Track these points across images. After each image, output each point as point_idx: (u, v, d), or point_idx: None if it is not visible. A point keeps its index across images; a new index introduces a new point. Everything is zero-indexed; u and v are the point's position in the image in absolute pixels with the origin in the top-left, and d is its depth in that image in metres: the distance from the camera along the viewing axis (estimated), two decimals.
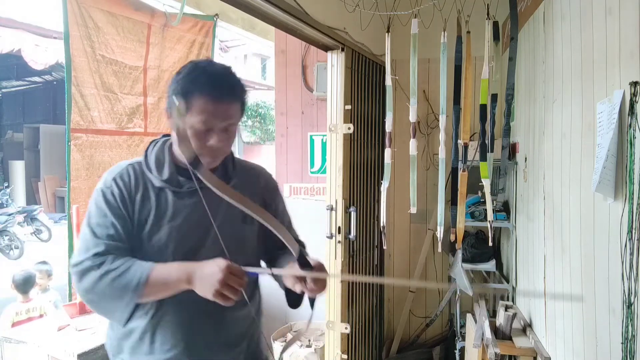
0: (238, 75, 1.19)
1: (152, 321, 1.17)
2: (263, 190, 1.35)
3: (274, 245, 1.29)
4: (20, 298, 3.27)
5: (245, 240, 1.27)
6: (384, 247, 2.72)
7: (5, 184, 10.13)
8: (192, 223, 1.18)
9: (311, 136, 3.69)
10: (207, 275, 1.02)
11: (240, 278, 1.02)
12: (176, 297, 1.12)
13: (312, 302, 1.17)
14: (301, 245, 1.35)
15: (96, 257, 1.11)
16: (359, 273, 2.99)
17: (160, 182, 1.18)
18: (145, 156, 1.23)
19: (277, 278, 1.26)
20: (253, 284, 1.33)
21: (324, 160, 3.53)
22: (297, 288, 1.13)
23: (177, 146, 1.19)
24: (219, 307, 1.06)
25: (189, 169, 1.08)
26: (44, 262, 3.55)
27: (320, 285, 1.11)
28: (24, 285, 3.28)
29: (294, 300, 1.24)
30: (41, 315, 3.26)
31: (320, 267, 1.14)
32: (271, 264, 1.35)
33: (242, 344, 1.29)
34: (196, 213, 1.18)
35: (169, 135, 1.27)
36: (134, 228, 1.16)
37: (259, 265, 1.31)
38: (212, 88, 1.11)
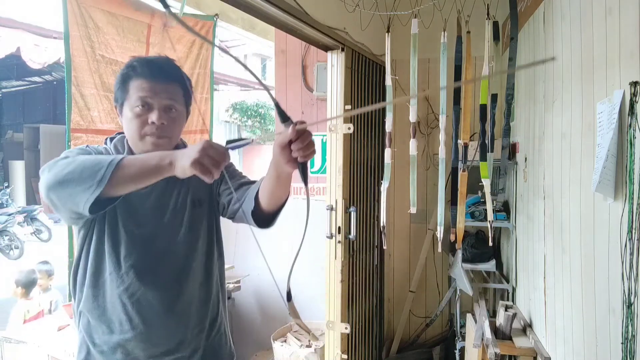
0: (177, 65, 1.27)
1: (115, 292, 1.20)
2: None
3: (234, 195, 1.29)
4: (23, 297, 3.29)
5: (194, 221, 1.30)
6: (384, 247, 2.72)
7: (5, 184, 10.13)
8: (148, 205, 1.24)
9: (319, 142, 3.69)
10: (187, 151, 1.00)
11: (220, 152, 0.97)
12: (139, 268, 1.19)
13: (304, 171, 1.03)
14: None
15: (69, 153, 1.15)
16: (359, 273, 2.99)
17: None
18: (105, 146, 1.29)
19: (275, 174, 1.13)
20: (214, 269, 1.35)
21: (324, 160, 3.53)
22: (290, 164, 0.99)
23: (130, 140, 1.25)
24: (180, 284, 1.20)
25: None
26: (45, 262, 3.56)
27: (309, 144, 0.96)
28: (28, 284, 3.31)
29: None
30: (43, 313, 3.27)
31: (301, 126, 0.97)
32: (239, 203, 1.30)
33: (202, 330, 1.31)
34: (150, 199, 1.24)
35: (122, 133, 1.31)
36: None
37: (199, 241, 1.31)
38: (147, 69, 1.19)
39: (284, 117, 0.95)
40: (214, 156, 0.96)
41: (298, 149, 0.94)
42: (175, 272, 1.25)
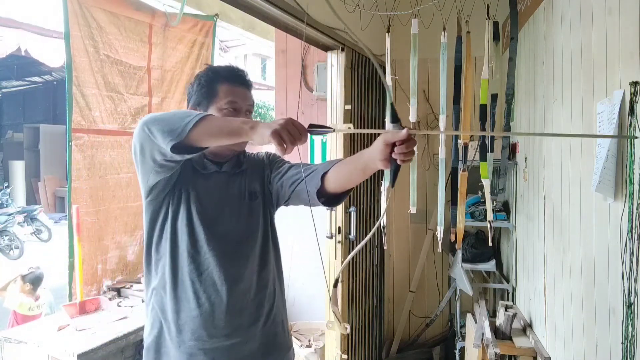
0: None
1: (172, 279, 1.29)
2: (266, 161, 1.47)
3: (298, 185, 1.34)
4: (29, 295, 3.31)
5: (252, 212, 1.39)
6: (384, 247, 2.72)
7: (5, 184, 10.12)
8: (218, 198, 1.34)
9: (311, 136, 3.69)
10: (270, 122, 1.06)
11: (300, 131, 1.03)
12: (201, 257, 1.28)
13: (396, 173, 1.08)
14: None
15: None
16: (359, 273, 3.00)
17: (201, 165, 1.35)
18: None
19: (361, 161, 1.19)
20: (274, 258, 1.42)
21: (324, 160, 3.53)
22: (384, 162, 1.05)
23: None
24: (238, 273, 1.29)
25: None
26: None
27: (411, 151, 1.02)
28: (36, 280, 3.34)
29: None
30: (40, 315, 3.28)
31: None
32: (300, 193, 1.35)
33: (258, 318, 1.35)
34: (220, 190, 1.35)
35: None
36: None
37: (258, 231, 1.39)
38: (234, 76, 1.35)
39: (395, 118, 1.03)
40: (293, 133, 1.01)
41: (401, 152, 1.00)
42: (236, 258, 1.32)
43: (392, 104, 1.08)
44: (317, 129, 1.06)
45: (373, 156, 1.08)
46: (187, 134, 1.07)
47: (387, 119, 1.05)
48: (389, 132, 1.02)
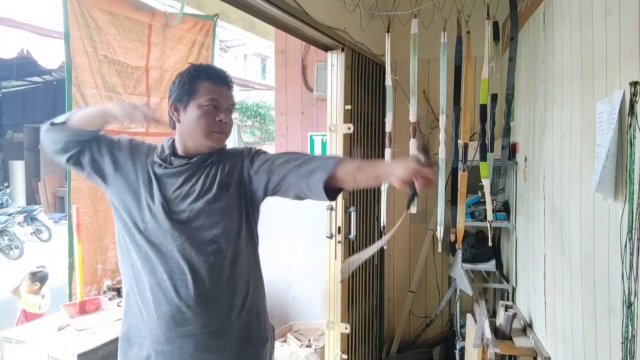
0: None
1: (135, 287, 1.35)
2: (246, 152, 1.44)
3: (288, 182, 1.32)
4: (36, 293, 3.32)
5: (222, 205, 1.37)
6: (384, 247, 2.72)
7: (5, 184, 10.12)
8: (174, 186, 1.36)
9: (311, 136, 3.69)
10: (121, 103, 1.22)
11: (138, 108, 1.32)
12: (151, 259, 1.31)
13: (413, 197, 1.11)
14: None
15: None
16: (359, 273, 3.00)
17: (158, 158, 1.39)
18: (161, 145, 1.45)
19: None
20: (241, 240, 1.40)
21: None
22: (401, 182, 1.08)
23: (178, 138, 1.41)
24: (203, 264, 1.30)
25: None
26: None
27: (433, 182, 1.06)
28: (43, 279, 3.36)
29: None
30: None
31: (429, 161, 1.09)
32: (300, 191, 1.33)
33: (233, 309, 1.35)
34: (177, 180, 1.37)
35: None
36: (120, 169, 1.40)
37: (228, 221, 1.37)
38: (215, 74, 1.38)
39: (427, 154, 1.08)
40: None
41: (424, 179, 1.04)
42: (201, 247, 1.32)
43: (424, 144, 1.12)
44: None
45: (392, 172, 1.10)
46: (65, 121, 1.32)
47: (416, 150, 1.09)
48: (420, 158, 1.05)
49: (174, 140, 1.43)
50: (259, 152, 1.43)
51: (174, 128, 1.41)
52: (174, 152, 1.40)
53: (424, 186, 1.05)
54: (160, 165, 1.38)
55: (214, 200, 1.34)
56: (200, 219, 1.32)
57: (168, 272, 1.30)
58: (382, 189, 2.60)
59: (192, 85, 1.34)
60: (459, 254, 2.95)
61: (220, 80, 1.37)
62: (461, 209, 2.43)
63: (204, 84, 1.34)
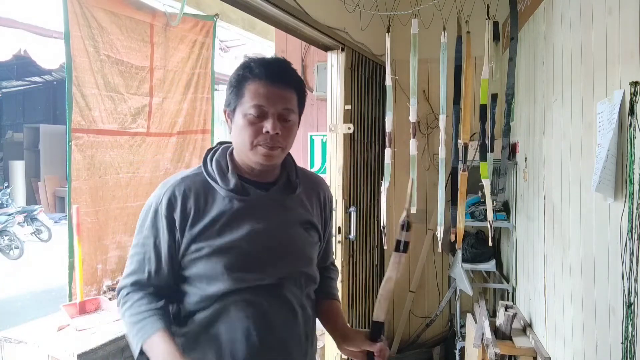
0: (293, 67, 1.16)
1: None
2: (324, 202, 1.30)
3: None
4: None
5: (307, 251, 1.22)
6: (384, 247, 2.72)
7: (5, 184, 10.12)
8: (261, 230, 1.13)
9: (311, 136, 3.69)
10: None
11: None
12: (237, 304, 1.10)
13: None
14: (334, 267, 1.41)
15: (128, 288, 1.13)
16: (359, 273, 3.00)
17: (227, 191, 1.12)
18: (205, 164, 1.17)
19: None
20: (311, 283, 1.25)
21: (324, 160, 3.53)
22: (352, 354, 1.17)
23: (236, 151, 1.16)
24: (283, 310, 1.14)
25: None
26: None
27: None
28: None
29: None
30: None
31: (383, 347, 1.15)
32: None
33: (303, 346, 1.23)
34: (263, 220, 1.13)
35: (225, 143, 1.23)
36: (186, 240, 1.10)
37: (317, 277, 1.25)
38: (265, 71, 1.09)
39: (376, 336, 1.14)
40: None
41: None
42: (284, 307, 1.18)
43: (375, 322, 1.15)
44: None
45: (343, 344, 1.19)
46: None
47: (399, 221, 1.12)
48: (371, 344, 1.13)
49: (231, 152, 1.18)
50: (329, 222, 1.31)
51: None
52: (238, 174, 1.15)
53: None
54: (228, 198, 1.12)
55: (302, 245, 1.21)
56: (282, 261, 1.18)
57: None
58: (382, 188, 2.60)
59: (239, 86, 1.10)
60: (459, 254, 2.95)
61: (271, 78, 1.09)
62: (461, 209, 2.43)
63: (250, 85, 1.09)
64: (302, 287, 1.18)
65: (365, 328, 3.22)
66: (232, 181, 1.12)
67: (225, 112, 1.15)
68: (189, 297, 1.12)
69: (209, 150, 1.20)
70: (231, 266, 1.08)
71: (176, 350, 1.02)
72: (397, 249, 1.09)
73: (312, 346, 1.25)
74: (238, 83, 1.10)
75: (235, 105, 1.10)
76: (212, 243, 1.08)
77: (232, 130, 1.13)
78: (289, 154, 1.21)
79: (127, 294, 1.12)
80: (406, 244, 1.09)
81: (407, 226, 1.08)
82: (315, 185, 1.28)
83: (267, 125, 1.07)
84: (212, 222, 1.09)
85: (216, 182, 1.12)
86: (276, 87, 1.09)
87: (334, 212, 2.66)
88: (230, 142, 1.19)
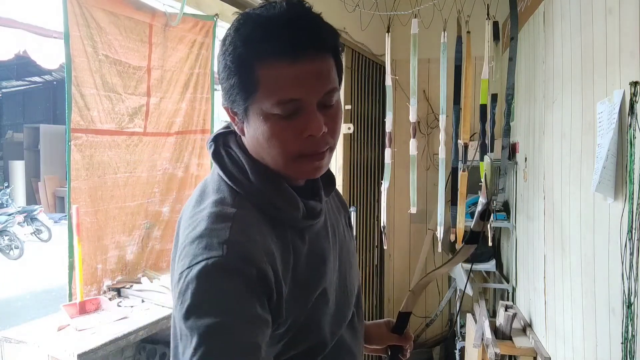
0: (315, 11, 0.72)
1: None
2: (344, 208, 1.04)
3: None
4: None
5: (356, 265, 0.99)
6: (384, 247, 2.72)
7: (5, 184, 10.12)
8: (334, 254, 0.85)
9: None
10: None
11: None
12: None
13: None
14: None
15: None
16: (359, 273, 3.00)
17: (302, 221, 0.78)
18: (257, 194, 0.75)
19: None
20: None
21: None
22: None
23: (271, 160, 0.74)
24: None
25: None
26: None
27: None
28: None
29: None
30: None
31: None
32: None
33: None
34: (330, 241, 0.84)
35: (218, 132, 0.83)
36: (286, 306, 0.72)
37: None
38: (283, 40, 0.67)
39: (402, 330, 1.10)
40: None
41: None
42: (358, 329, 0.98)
43: (402, 314, 1.13)
44: None
45: (370, 340, 1.08)
46: None
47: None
48: (398, 338, 1.11)
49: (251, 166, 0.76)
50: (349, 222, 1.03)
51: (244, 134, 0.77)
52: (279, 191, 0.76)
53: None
54: (304, 229, 0.79)
55: (353, 259, 0.97)
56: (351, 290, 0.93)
57: None
58: (382, 188, 2.60)
59: (245, 73, 0.69)
60: None
61: (299, 47, 0.67)
62: (461, 209, 2.43)
63: (266, 69, 0.67)
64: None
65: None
66: (300, 205, 0.76)
67: (227, 110, 0.77)
68: None
69: (215, 153, 0.79)
70: (330, 318, 0.80)
71: None
72: (471, 241, 0.91)
73: None
74: (242, 68, 0.68)
75: (247, 103, 0.70)
76: (305, 297, 0.76)
77: (247, 135, 0.75)
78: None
79: None
80: (479, 235, 0.91)
81: (487, 215, 0.88)
82: (343, 207, 1.04)
83: (311, 126, 0.69)
84: (296, 271, 0.75)
85: (281, 210, 0.76)
86: (307, 60, 0.67)
87: None
88: (227, 129, 0.83)
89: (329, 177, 0.88)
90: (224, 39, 0.73)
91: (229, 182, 0.75)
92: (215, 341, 0.61)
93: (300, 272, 0.75)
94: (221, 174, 0.77)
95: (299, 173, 0.76)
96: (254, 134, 0.73)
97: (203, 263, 0.64)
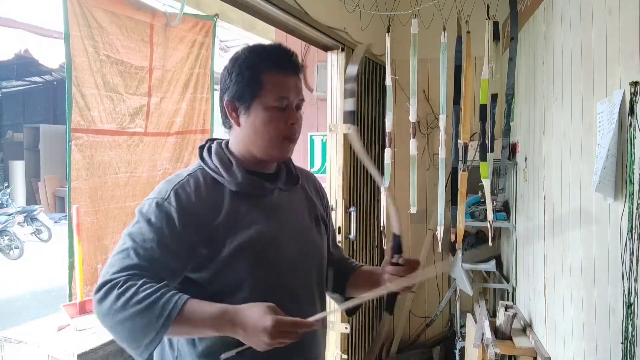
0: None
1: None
2: (321, 191, 1.30)
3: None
4: None
5: (319, 245, 1.19)
6: (384, 247, 2.72)
7: (5, 184, 10.12)
8: (271, 225, 1.07)
9: (311, 136, 3.69)
10: (252, 331, 0.89)
11: (292, 332, 0.90)
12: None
13: (392, 303, 1.14)
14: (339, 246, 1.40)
15: (123, 277, 0.92)
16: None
17: (234, 185, 1.05)
18: (204, 160, 1.10)
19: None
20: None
21: (324, 160, 3.53)
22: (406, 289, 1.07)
23: (242, 145, 1.09)
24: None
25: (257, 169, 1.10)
26: None
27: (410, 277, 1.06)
28: None
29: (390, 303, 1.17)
30: None
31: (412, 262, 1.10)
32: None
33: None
34: (274, 215, 1.09)
35: (213, 140, 1.16)
36: (202, 245, 1.00)
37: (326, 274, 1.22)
38: (281, 60, 1.06)
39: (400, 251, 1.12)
40: (285, 339, 0.89)
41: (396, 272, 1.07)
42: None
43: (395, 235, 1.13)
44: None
45: (381, 279, 1.12)
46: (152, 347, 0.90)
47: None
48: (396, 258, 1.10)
49: (227, 147, 1.12)
50: (328, 212, 1.29)
51: (229, 128, 1.11)
52: (244, 168, 1.09)
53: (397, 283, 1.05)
54: (237, 193, 1.06)
55: (314, 239, 1.18)
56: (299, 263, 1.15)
57: None
58: (382, 188, 2.60)
59: (254, 76, 1.04)
60: (459, 254, 2.95)
61: (289, 68, 1.06)
62: (461, 209, 2.43)
63: (270, 75, 1.03)
64: (315, 286, 1.16)
65: (370, 328, 3.23)
66: (239, 174, 1.06)
67: (229, 105, 1.07)
68: None
69: (202, 147, 1.13)
70: (252, 266, 1.02)
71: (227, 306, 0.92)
72: (389, 309, 1.15)
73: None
74: (252, 73, 1.03)
75: (252, 97, 1.03)
76: (230, 242, 1.00)
77: (243, 123, 1.06)
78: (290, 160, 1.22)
79: (125, 281, 0.91)
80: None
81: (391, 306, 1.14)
82: (308, 176, 1.28)
83: (293, 117, 1.06)
84: (225, 222, 1.01)
85: (222, 176, 1.05)
86: (292, 76, 1.06)
87: (333, 212, 2.67)
88: (219, 139, 1.16)
89: (294, 175, 1.19)
90: (238, 54, 1.08)
91: (200, 161, 1.10)
92: (133, 236, 0.98)
93: (222, 221, 1.01)
94: (199, 158, 1.11)
95: (280, 150, 1.08)
96: (252, 122, 1.05)
97: (152, 200, 1.02)
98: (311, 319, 0.96)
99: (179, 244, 0.97)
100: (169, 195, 1.00)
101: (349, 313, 1.30)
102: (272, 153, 1.08)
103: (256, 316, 0.89)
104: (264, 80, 1.03)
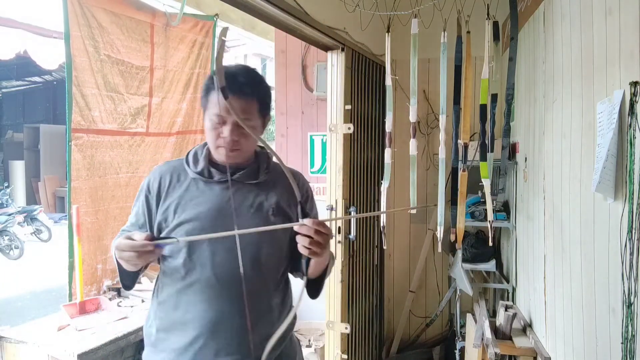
0: (259, 75, 1.31)
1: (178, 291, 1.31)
2: (302, 187, 1.38)
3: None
4: None
5: (268, 233, 1.30)
6: (384, 247, 2.72)
7: (5, 184, 10.12)
8: (217, 208, 1.29)
9: (311, 136, 3.69)
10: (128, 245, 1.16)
11: (126, 251, 1.14)
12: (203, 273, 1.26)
13: (306, 266, 1.23)
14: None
15: (119, 234, 1.35)
16: (359, 273, 3.00)
17: (194, 173, 1.32)
18: (187, 155, 1.38)
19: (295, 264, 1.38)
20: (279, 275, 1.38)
21: (324, 160, 3.53)
22: (304, 250, 1.15)
23: (210, 148, 1.34)
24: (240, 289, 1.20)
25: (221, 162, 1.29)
26: None
27: (322, 238, 1.13)
28: None
29: (313, 289, 1.35)
30: None
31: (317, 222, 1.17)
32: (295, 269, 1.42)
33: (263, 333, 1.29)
34: (223, 200, 1.30)
35: None
36: (160, 212, 1.31)
37: (285, 260, 1.38)
38: (230, 85, 1.16)
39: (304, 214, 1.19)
40: (131, 257, 1.15)
41: (313, 243, 1.13)
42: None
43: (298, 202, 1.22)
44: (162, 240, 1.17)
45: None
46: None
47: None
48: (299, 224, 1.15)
49: (206, 144, 1.36)
50: (313, 203, 1.42)
51: None
52: (210, 161, 1.33)
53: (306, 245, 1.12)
54: (195, 179, 1.33)
55: (257, 224, 1.29)
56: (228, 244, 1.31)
57: None
58: (382, 188, 2.60)
59: (206, 95, 1.27)
60: (459, 254, 2.95)
61: (233, 90, 1.18)
62: (461, 209, 2.42)
63: (213, 96, 1.23)
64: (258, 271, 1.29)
65: (370, 328, 3.23)
66: (201, 164, 1.31)
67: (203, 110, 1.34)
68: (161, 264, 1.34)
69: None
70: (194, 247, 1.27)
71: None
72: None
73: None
74: (206, 92, 1.27)
75: (204, 110, 1.28)
76: (176, 218, 1.28)
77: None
78: (265, 151, 1.40)
79: (118, 237, 1.30)
80: None
81: None
82: (290, 175, 1.32)
83: (225, 132, 1.24)
84: (177, 199, 1.30)
85: (188, 165, 1.33)
86: (235, 97, 1.19)
87: (333, 212, 2.67)
88: None
89: (259, 171, 1.37)
90: (207, 77, 1.34)
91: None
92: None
93: (176, 197, 1.30)
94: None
95: (218, 156, 1.31)
96: (204, 127, 1.31)
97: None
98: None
99: (147, 206, 1.33)
100: (148, 179, 1.36)
101: (311, 295, 1.37)
102: (215, 155, 1.31)
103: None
104: (209, 97, 1.25)
